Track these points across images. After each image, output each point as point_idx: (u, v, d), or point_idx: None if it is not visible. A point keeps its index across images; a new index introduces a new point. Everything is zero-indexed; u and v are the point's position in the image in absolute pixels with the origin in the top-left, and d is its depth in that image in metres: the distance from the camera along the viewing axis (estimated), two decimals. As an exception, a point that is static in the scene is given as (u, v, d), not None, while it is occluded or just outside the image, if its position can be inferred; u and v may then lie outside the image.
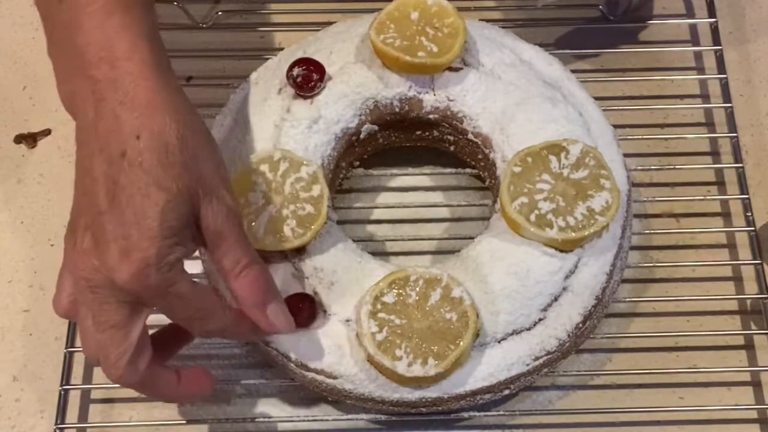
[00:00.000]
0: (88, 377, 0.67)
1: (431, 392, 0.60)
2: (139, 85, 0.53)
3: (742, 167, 0.73)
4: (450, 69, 0.68)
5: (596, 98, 0.69)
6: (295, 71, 0.66)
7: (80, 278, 0.53)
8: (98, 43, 0.53)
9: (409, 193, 0.73)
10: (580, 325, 0.62)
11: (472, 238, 0.65)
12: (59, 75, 0.57)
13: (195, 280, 0.54)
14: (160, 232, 0.51)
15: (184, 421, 0.66)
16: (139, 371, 0.55)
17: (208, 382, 0.60)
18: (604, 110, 0.69)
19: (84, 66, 0.54)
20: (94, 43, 0.53)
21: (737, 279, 0.71)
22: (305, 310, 0.61)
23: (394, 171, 0.73)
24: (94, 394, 0.67)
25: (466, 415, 0.65)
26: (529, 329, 0.62)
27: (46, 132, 0.76)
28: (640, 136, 0.75)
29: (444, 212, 0.73)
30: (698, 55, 0.79)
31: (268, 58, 0.71)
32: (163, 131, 0.52)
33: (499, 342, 0.61)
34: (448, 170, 0.73)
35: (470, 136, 0.68)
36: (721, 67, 0.77)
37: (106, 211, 0.52)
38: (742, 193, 0.72)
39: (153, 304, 0.54)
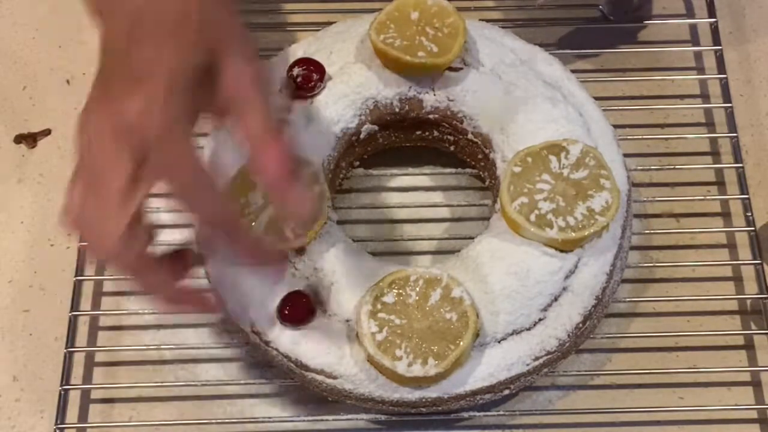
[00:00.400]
0: (88, 377, 0.67)
1: (431, 392, 0.60)
2: None
3: (742, 167, 0.73)
4: (450, 69, 0.68)
5: (596, 98, 0.69)
6: (295, 71, 0.66)
7: (86, 130, 0.50)
8: None
9: (409, 193, 0.73)
10: (580, 325, 0.62)
11: (472, 238, 0.65)
12: None
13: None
14: (171, 76, 0.49)
15: (184, 421, 0.66)
16: (133, 250, 0.51)
17: (215, 303, 0.58)
18: (604, 110, 0.69)
19: None
20: None
21: (737, 279, 0.71)
22: (304, 308, 0.61)
23: (394, 171, 0.73)
24: (94, 394, 0.67)
25: (466, 415, 0.65)
26: (529, 329, 0.62)
27: (46, 132, 0.76)
28: (640, 136, 0.75)
29: (444, 212, 0.73)
30: (698, 55, 0.79)
31: (267, 58, 0.70)
32: None
33: (499, 342, 0.61)
34: (448, 170, 0.73)
35: (470, 136, 0.68)
36: (721, 67, 0.77)
37: (123, 50, 0.50)
38: (742, 193, 0.72)
39: (153, 159, 0.50)
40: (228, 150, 0.66)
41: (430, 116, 0.68)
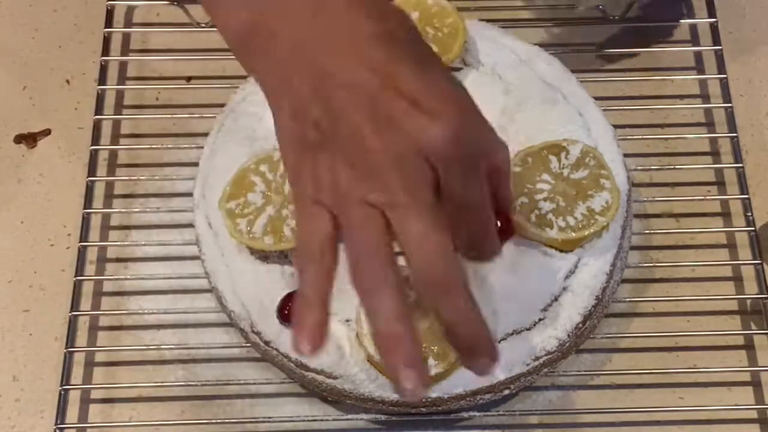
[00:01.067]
0: (88, 377, 0.67)
1: (431, 392, 0.60)
2: None
3: (742, 167, 0.73)
4: (450, 69, 0.68)
5: (596, 98, 0.69)
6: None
7: (377, 163, 0.46)
8: None
9: (409, 193, 0.73)
10: (580, 325, 0.62)
11: (472, 238, 0.65)
12: None
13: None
14: (458, 88, 0.48)
15: (184, 421, 0.66)
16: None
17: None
18: (604, 110, 0.69)
19: None
20: None
21: (737, 279, 0.70)
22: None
23: (394, 171, 0.73)
24: (94, 394, 0.67)
25: (466, 415, 0.65)
26: (529, 329, 0.61)
27: (46, 132, 0.76)
28: (640, 136, 0.75)
29: (444, 212, 0.73)
30: (698, 55, 0.79)
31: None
32: (401, 12, 0.50)
33: (499, 342, 0.61)
34: (448, 170, 0.73)
35: (470, 136, 0.68)
36: (721, 67, 0.77)
37: (389, 86, 0.47)
38: (742, 193, 0.72)
39: (448, 177, 0.47)
40: (228, 150, 0.66)
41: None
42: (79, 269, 0.70)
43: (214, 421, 0.65)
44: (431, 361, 0.58)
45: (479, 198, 0.49)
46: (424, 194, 0.47)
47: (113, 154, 0.75)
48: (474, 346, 0.48)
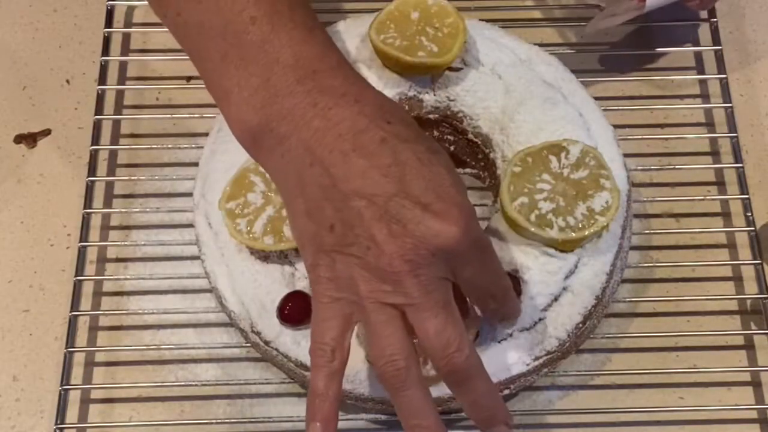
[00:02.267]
0: (88, 377, 0.67)
1: (431, 392, 0.60)
2: (356, 84, 0.53)
3: (742, 167, 0.73)
4: (450, 69, 0.68)
5: (596, 98, 0.69)
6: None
7: (397, 268, 0.51)
8: (300, 56, 0.53)
9: (409, 193, 0.73)
10: (580, 325, 0.62)
11: (472, 238, 0.65)
12: (248, 98, 0.54)
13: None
14: (459, 187, 0.52)
15: (184, 421, 0.66)
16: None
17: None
18: (604, 110, 0.69)
19: (298, 80, 0.53)
20: (294, 56, 0.53)
21: (737, 279, 0.70)
22: (303, 308, 0.61)
23: (394, 171, 0.73)
24: (94, 394, 0.67)
25: (466, 415, 0.65)
26: (529, 329, 0.61)
27: (46, 132, 0.76)
28: (640, 136, 0.75)
29: (444, 212, 0.73)
30: (698, 55, 0.79)
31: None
32: (401, 110, 0.54)
33: (499, 342, 0.61)
34: (448, 170, 0.73)
35: (470, 136, 0.68)
36: (721, 67, 0.77)
37: (399, 190, 0.50)
38: (742, 193, 0.72)
39: (465, 270, 0.53)
40: (228, 150, 0.66)
41: (430, 116, 0.68)
42: (79, 269, 0.70)
43: (214, 421, 0.65)
44: (431, 361, 0.58)
45: (497, 270, 0.55)
46: (440, 293, 0.51)
47: (113, 154, 0.75)
48: (491, 417, 0.54)
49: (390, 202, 0.50)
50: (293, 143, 0.52)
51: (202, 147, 0.68)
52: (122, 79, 0.78)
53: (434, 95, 0.68)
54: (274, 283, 0.62)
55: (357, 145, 0.51)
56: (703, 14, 0.79)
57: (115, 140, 0.76)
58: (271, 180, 0.56)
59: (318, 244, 0.52)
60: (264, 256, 0.63)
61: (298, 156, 0.52)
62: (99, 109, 0.76)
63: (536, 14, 0.80)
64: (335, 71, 0.54)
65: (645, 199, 0.72)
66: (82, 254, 0.70)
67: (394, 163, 0.51)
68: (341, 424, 0.65)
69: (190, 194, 0.68)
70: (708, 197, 0.73)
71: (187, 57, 0.77)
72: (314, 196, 0.51)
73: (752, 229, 0.71)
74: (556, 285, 0.62)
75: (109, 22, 0.79)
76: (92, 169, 0.73)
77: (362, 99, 0.53)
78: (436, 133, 0.70)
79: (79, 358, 0.68)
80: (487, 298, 0.56)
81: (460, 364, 0.52)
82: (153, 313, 0.69)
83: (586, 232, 0.61)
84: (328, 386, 0.52)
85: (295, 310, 0.61)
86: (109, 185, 0.74)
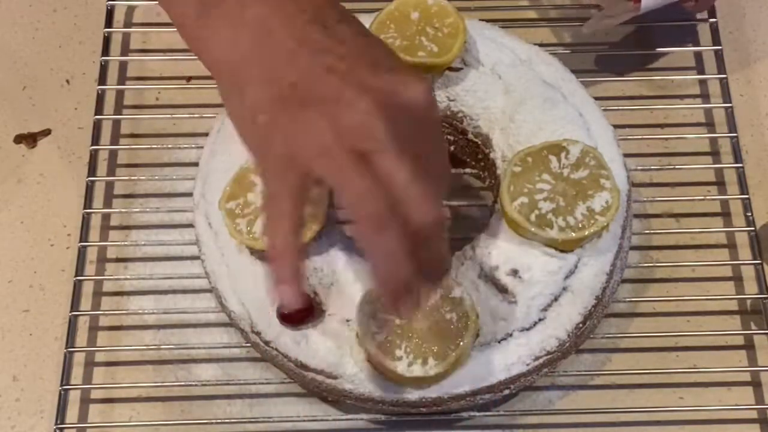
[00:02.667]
0: (88, 377, 0.67)
1: (431, 392, 0.60)
2: None
3: (742, 167, 0.73)
4: (450, 69, 0.68)
5: (596, 98, 0.69)
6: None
7: (368, 108, 0.48)
8: None
9: (409, 193, 0.73)
10: (580, 325, 0.62)
11: (472, 238, 0.65)
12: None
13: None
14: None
15: (184, 421, 0.66)
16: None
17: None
18: (604, 110, 0.69)
19: None
20: None
21: (737, 279, 0.71)
22: (304, 309, 0.61)
23: (394, 171, 0.73)
24: (94, 394, 0.67)
25: (466, 415, 0.65)
26: (529, 329, 0.61)
27: (46, 132, 0.76)
28: (640, 136, 0.75)
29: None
30: (698, 55, 0.79)
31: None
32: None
33: (499, 342, 0.61)
34: (448, 170, 0.73)
35: (470, 136, 0.68)
36: (721, 67, 0.77)
37: (364, 53, 0.50)
38: (742, 193, 0.72)
39: (428, 141, 0.51)
40: (228, 150, 0.66)
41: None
42: (79, 269, 0.70)
43: (214, 421, 0.65)
44: (431, 361, 0.58)
45: (445, 155, 0.53)
46: (409, 146, 0.48)
47: (113, 154, 0.75)
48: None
49: (359, 60, 0.49)
50: (251, 12, 0.50)
51: (202, 147, 0.68)
52: (122, 79, 0.78)
53: (434, 95, 0.67)
54: (274, 283, 0.62)
55: (318, 18, 0.50)
56: (703, 14, 0.79)
57: (115, 140, 0.76)
58: (209, 62, 0.53)
59: (275, 102, 0.49)
60: (264, 256, 0.63)
61: (255, 24, 0.50)
62: (99, 109, 0.76)
63: (536, 14, 0.80)
64: None
65: (645, 199, 0.72)
66: (82, 254, 0.70)
67: (358, 33, 0.51)
68: (341, 424, 0.65)
69: (190, 194, 0.68)
70: (708, 197, 0.73)
71: (187, 57, 0.77)
72: (275, 61, 0.50)
73: (752, 229, 0.71)
74: (556, 285, 0.62)
75: (109, 22, 0.79)
76: (92, 169, 0.73)
77: None
78: (436, 133, 0.70)
79: (79, 358, 0.68)
80: (434, 174, 0.51)
81: (432, 219, 0.49)
82: (153, 313, 0.69)
83: (586, 232, 0.61)
84: (289, 241, 0.50)
85: (295, 310, 0.61)
86: (109, 185, 0.74)
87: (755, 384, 0.67)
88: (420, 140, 0.50)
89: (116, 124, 0.76)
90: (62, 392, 0.66)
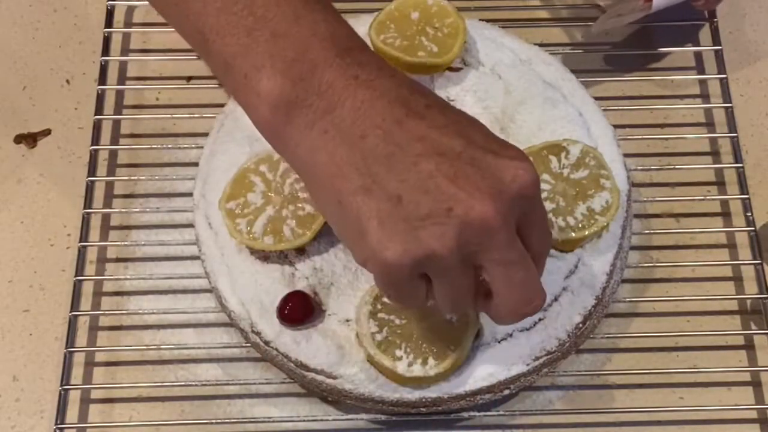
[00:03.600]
0: (88, 377, 0.67)
1: (431, 392, 0.60)
2: (384, 61, 0.51)
3: (742, 167, 0.73)
4: (450, 69, 0.68)
5: (596, 98, 0.69)
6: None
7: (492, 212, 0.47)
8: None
9: (409, 193, 0.73)
10: (580, 325, 0.62)
11: (472, 238, 0.65)
12: (284, 71, 0.50)
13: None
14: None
15: (184, 421, 0.66)
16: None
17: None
18: (604, 110, 0.69)
19: (337, 54, 0.50)
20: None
21: (737, 279, 0.70)
22: (303, 308, 0.61)
23: (394, 171, 0.73)
24: (94, 394, 0.67)
25: (466, 415, 0.65)
26: (529, 329, 0.62)
27: (46, 132, 0.76)
28: (640, 136, 0.75)
29: (444, 212, 0.73)
30: (698, 55, 0.79)
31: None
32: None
33: (499, 342, 0.61)
34: (448, 170, 0.73)
35: (470, 136, 0.68)
36: (721, 67, 0.77)
37: (465, 144, 0.48)
38: (742, 193, 0.72)
39: (533, 215, 0.50)
40: (228, 150, 0.66)
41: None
42: (79, 269, 0.70)
43: (214, 421, 0.65)
44: (431, 361, 0.58)
45: (547, 223, 0.53)
46: (519, 245, 0.49)
47: (113, 154, 0.75)
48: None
49: (462, 156, 0.47)
50: (339, 115, 0.48)
51: (202, 147, 0.68)
52: (122, 79, 0.78)
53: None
54: (274, 283, 0.62)
55: (410, 111, 0.48)
56: (704, 14, 0.79)
57: (115, 140, 0.76)
58: (296, 165, 0.51)
59: (382, 221, 0.47)
60: (264, 256, 0.63)
61: (345, 128, 0.48)
62: (99, 109, 0.76)
63: (536, 14, 0.80)
64: (366, 49, 0.51)
65: (645, 199, 0.72)
66: (82, 254, 0.70)
67: (450, 122, 0.48)
68: (341, 424, 0.65)
69: (190, 194, 0.68)
70: (708, 197, 0.73)
71: (187, 57, 0.77)
72: (372, 168, 0.47)
73: (752, 229, 0.71)
74: (556, 285, 0.62)
75: (109, 22, 0.79)
76: (92, 169, 0.73)
77: (397, 73, 0.50)
78: (436, 133, 0.70)
79: (79, 358, 0.68)
80: (541, 252, 0.52)
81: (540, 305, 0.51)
82: (153, 313, 0.69)
83: (586, 232, 0.61)
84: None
85: (295, 310, 0.61)
86: (109, 185, 0.74)
87: (755, 384, 0.67)
88: (531, 218, 0.50)
89: (116, 124, 0.76)
90: (62, 392, 0.66)
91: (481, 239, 0.47)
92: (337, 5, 0.79)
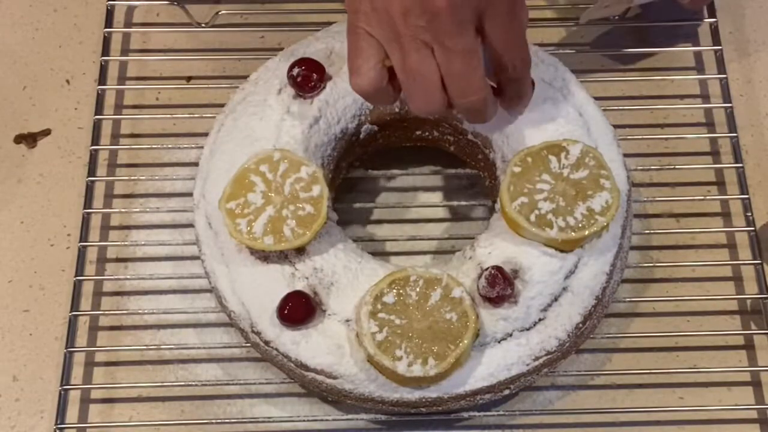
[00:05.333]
0: (88, 377, 0.67)
1: (431, 392, 0.60)
2: None
3: (742, 167, 0.73)
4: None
5: (596, 98, 0.69)
6: (295, 71, 0.66)
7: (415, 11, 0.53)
8: None
9: (409, 193, 0.73)
10: (580, 325, 0.62)
11: (472, 238, 0.65)
12: None
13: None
14: None
15: (184, 421, 0.66)
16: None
17: None
18: (604, 110, 0.69)
19: None
20: None
21: (737, 279, 0.71)
22: (303, 308, 0.61)
23: (394, 171, 0.73)
24: (94, 394, 0.67)
25: (466, 415, 0.65)
26: (529, 329, 0.61)
27: (46, 132, 0.76)
28: (640, 136, 0.75)
29: (444, 212, 0.73)
30: (698, 55, 0.79)
31: (268, 58, 0.70)
32: None
33: (499, 342, 0.61)
34: (448, 170, 0.73)
35: (470, 136, 0.68)
36: (721, 67, 0.77)
37: None
38: (742, 193, 0.72)
39: (495, 20, 0.55)
40: (228, 150, 0.66)
41: (430, 116, 0.68)
42: (79, 269, 0.70)
43: (214, 421, 0.66)
44: (431, 361, 0.58)
45: (522, 36, 0.59)
46: (469, 38, 0.54)
47: (113, 154, 0.75)
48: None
49: None
50: None
51: (202, 147, 0.68)
52: (122, 79, 0.78)
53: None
54: (274, 283, 0.62)
55: None
56: (703, 14, 0.79)
57: (115, 140, 0.76)
58: None
59: None
60: (264, 256, 0.63)
61: None
62: (99, 109, 0.76)
63: (536, 14, 0.80)
64: None
65: (645, 199, 0.72)
66: (82, 254, 0.70)
67: None
68: (341, 424, 0.65)
69: (190, 194, 0.68)
70: (708, 197, 0.73)
71: (187, 57, 0.77)
72: None
73: (752, 229, 0.71)
74: (556, 285, 0.62)
75: (109, 22, 0.79)
76: (92, 169, 0.73)
77: None
78: (436, 133, 0.70)
79: (79, 358, 0.68)
80: (508, 63, 0.58)
81: (478, 102, 0.56)
82: (153, 313, 0.69)
83: (586, 232, 0.61)
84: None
85: (295, 310, 0.61)
86: (109, 185, 0.74)
87: (755, 384, 0.67)
88: (493, 22, 0.55)
89: (116, 124, 0.76)
90: (62, 392, 0.66)
91: (428, 20, 0.53)
92: (338, 6, 0.80)
